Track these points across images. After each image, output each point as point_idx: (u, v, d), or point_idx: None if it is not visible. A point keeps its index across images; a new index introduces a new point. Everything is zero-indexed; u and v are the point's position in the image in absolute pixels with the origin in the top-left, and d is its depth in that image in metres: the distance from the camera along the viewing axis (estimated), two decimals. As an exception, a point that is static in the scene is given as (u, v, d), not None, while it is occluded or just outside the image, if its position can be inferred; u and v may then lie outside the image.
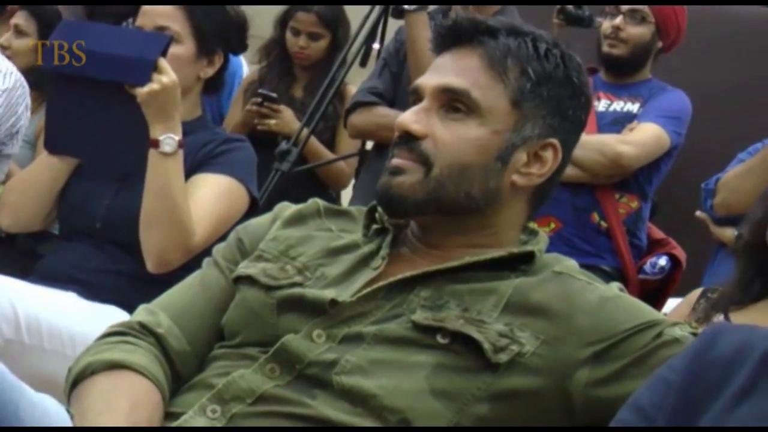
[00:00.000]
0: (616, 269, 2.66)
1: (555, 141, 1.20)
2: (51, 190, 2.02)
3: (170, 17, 1.99)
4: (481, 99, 1.17)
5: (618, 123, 2.67)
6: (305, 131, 2.74)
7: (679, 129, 2.69)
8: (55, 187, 2.02)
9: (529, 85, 1.18)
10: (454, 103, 1.17)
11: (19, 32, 2.83)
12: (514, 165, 1.18)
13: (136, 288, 1.85)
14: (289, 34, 3.19)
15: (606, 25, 2.71)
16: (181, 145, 1.87)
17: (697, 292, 2.05)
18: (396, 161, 1.18)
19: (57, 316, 1.80)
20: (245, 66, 3.39)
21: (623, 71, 2.75)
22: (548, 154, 1.20)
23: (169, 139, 1.84)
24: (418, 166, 1.16)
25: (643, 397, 1.02)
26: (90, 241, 1.98)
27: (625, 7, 2.68)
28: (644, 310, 1.14)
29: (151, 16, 2.01)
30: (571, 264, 1.20)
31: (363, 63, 2.94)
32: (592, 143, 2.56)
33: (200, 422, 1.07)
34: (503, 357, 1.07)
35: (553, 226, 2.63)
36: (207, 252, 1.66)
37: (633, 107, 2.72)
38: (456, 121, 1.17)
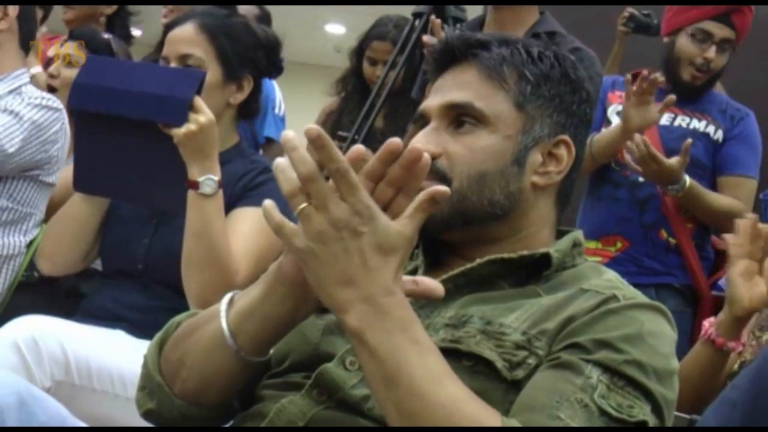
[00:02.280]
0: (686, 286, 2.63)
1: (566, 137, 1.23)
2: (83, 232, 2.03)
3: (193, 44, 1.97)
4: (486, 108, 1.20)
5: (684, 139, 2.56)
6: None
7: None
8: (87, 230, 2.03)
9: (529, 88, 1.21)
10: (461, 117, 1.20)
11: (69, 63, 2.86)
12: (531, 166, 1.21)
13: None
14: (366, 64, 3.22)
15: (693, 51, 2.64)
16: (221, 185, 1.84)
17: None
18: None
19: (106, 356, 1.81)
20: (278, 90, 3.40)
21: (696, 94, 2.71)
22: (562, 152, 1.22)
23: (209, 180, 1.82)
24: (438, 183, 1.16)
25: (710, 420, 1.05)
26: (134, 280, 1.98)
27: (719, 36, 2.62)
28: (621, 330, 1.07)
29: (174, 44, 1.99)
30: (601, 281, 1.16)
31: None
32: (731, 210, 2.51)
33: None
34: (520, 373, 1.06)
35: (619, 245, 2.61)
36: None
37: (700, 125, 2.69)
38: (466, 134, 1.20)
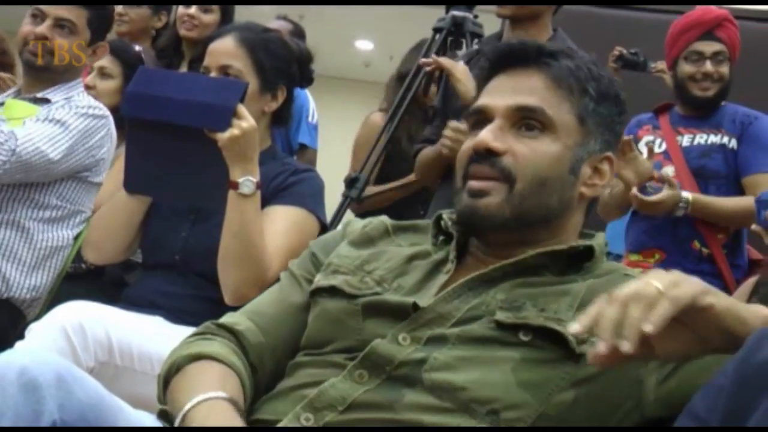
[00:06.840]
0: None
1: (611, 154, 1.30)
2: (128, 225, 2.14)
3: (233, 56, 2.08)
4: (554, 116, 1.25)
5: (706, 155, 2.80)
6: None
7: None
8: (131, 223, 2.14)
9: (592, 104, 1.27)
10: (527, 120, 1.25)
11: (104, 74, 3.00)
12: (582, 177, 1.27)
13: (218, 311, 1.88)
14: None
15: (690, 70, 2.83)
16: (258, 186, 1.94)
17: (750, 282, 2.17)
18: (477, 184, 1.24)
19: (146, 340, 1.90)
20: (311, 99, 3.47)
21: (710, 109, 2.87)
22: (606, 167, 1.30)
23: (248, 181, 1.92)
24: (501, 183, 1.23)
25: (698, 404, 1.08)
26: (171, 271, 2.09)
27: (709, 51, 2.80)
28: None
29: (215, 57, 2.10)
30: (633, 272, 1.25)
31: (425, 91, 3.05)
32: (740, 208, 2.63)
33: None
34: (586, 348, 1.11)
35: (657, 257, 2.76)
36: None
37: (716, 138, 2.82)
38: (531, 138, 1.25)
